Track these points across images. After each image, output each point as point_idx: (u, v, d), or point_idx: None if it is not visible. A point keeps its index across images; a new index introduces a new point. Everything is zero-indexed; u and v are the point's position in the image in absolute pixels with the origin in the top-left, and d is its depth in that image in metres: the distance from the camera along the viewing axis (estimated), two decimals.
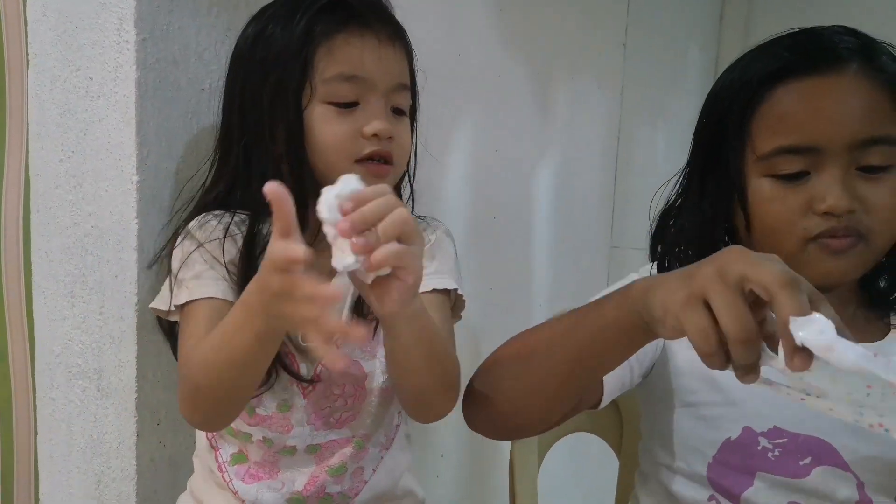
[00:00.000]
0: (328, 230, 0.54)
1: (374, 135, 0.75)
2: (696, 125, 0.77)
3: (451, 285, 0.80)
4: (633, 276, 0.76)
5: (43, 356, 0.97)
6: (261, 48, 0.77)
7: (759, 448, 0.69)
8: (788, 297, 0.46)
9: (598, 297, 0.64)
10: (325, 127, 0.76)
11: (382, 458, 0.84)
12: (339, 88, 0.75)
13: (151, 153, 0.86)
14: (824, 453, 0.68)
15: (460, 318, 0.86)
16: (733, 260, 0.50)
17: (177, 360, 0.82)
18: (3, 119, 1.00)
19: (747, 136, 0.70)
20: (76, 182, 0.90)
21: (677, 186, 0.79)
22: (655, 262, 0.80)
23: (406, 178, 0.87)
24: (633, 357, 0.69)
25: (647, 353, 0.75)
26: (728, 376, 0.51)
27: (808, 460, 0.68)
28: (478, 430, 0.73)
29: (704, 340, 0.49)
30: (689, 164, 0.78)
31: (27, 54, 0.92)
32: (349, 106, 0.76)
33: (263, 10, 0.81)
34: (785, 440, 0.69)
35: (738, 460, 0.70)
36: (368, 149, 0.76)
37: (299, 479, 0.79)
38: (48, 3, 0.89)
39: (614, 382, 0.72)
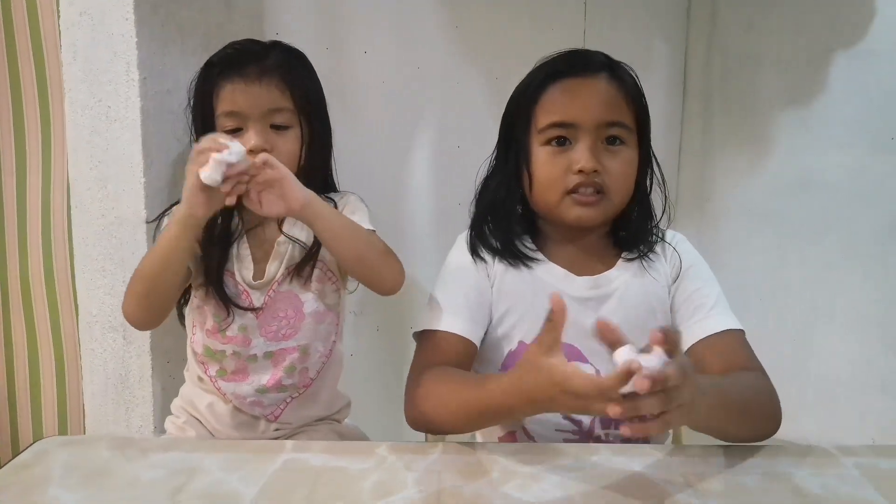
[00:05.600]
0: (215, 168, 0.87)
1: (251, 150, 1.00)
2: (503, 115, 1.04)
3: (370, 227, 1.06)
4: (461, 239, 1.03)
5: (84, 317, 1.28)
6: (192, 97, 1.09)
7: None
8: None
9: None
10: None
11: (323, 363, 1.13)
12: (225, 121, 1.04)
13: (154, 162, 1.16)
14: (573, 354, 0.96)
15: None
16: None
17: (180, 318, 1.13)
18: (48, 138, 1.31)
19: (532, 117, 0.98)
20: (102, 184, 1.21)
21: (491, 161, 1.05)
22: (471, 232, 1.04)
23: (312, 164, 1.10)
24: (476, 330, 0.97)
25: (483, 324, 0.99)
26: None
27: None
28: (417, 429, 0.92)
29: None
30: (497, 145, 1.05)
31: (63, 89, 1.22)
32: (235, 131, 1.03)
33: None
34: None
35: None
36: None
37: (264, 377, 1.09)
38: (77, 51, 1.19)
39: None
